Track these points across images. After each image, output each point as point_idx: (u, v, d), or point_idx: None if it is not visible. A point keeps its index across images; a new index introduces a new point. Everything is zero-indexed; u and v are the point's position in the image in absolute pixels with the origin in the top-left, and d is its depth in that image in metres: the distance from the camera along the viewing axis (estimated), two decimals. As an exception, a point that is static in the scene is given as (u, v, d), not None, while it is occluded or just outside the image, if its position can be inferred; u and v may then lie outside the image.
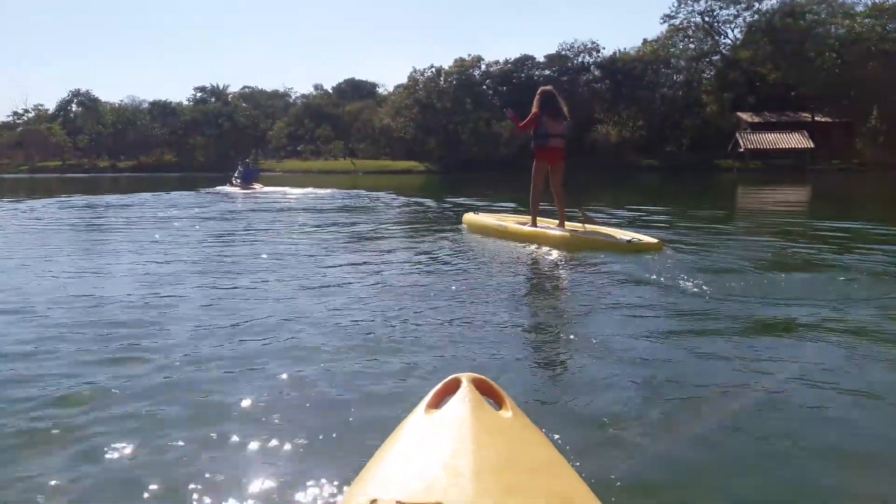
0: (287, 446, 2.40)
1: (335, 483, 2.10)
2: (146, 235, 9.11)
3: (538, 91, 7.97)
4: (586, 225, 7.55)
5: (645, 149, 47.71)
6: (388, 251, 7.44)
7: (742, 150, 43.66)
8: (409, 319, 4.19)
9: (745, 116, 47.18)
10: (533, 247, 7.26)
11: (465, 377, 1.42)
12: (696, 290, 5.05)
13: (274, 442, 2.43)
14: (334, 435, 2.48)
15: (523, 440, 1.31)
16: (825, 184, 27.75)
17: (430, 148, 53.71)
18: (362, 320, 4.15)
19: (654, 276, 5.47)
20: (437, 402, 1.39)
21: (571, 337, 3.93)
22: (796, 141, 43.25)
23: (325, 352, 3.51)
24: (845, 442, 2.51)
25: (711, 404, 2.86)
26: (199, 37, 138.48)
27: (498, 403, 1.41)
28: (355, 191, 22.53)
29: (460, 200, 16.04)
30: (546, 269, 6.45)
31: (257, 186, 22.08)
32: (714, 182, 31.11)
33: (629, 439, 2.47)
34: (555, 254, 6.86)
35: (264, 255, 7.02)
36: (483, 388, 1.41)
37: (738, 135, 44.87)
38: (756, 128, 45.77)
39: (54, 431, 2.55)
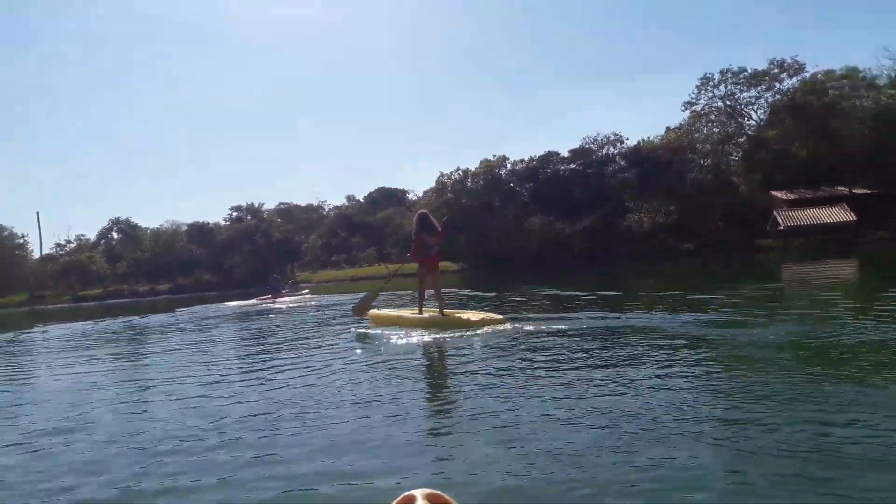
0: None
1: None
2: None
3: (415, 216, 10.38)
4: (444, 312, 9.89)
5: (679, 232, 46.76)
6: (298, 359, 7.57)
7: (782, 227, 42.39)
8: (345, 430, 4.13)
9: (779, 195, 46.18)
10: (426, 333, 8.87)
11: (419, 494, 1.36)
12: (547, 359, 5.96)
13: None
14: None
15: None
16: (877, 256, 26.49)
17: (461, 245, 53.55)
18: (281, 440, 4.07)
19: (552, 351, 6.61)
20: None
21: (508, 426, 3.90)
22: (837, 215, 41.92)
23: (275, 465, 3.43)
24: None
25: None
26: (235, 158, 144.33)
27: None
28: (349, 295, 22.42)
29: (489, 295, 15.84)
30: (448, 352, 7.29)
31: (285, 296, 23.78)
32: (758, 262, 30.03)
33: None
34: (448, 335, 8.48)
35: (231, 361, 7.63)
36: None
37: (775, 213, 43.73)
38: (793, 205, 44.65)
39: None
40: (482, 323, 9.01)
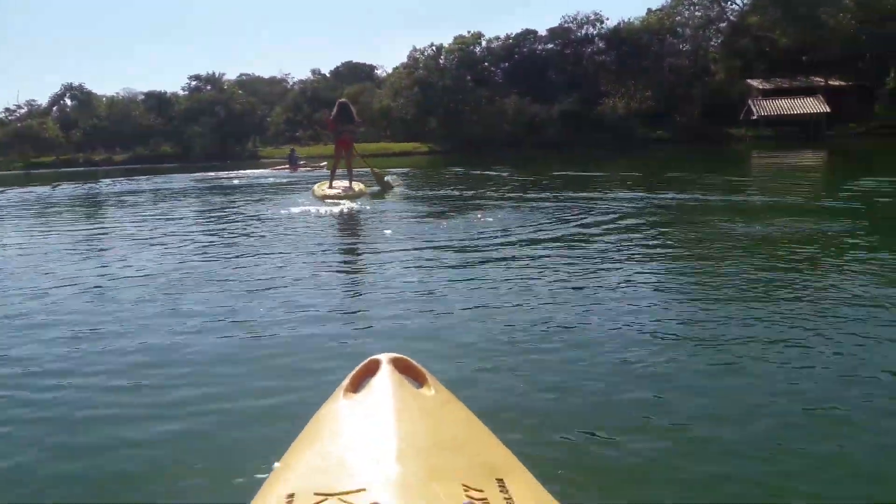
0: (197, 440, 2.23)
1: (250, 477, 1.87)
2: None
3: (336, 102, 12.16)
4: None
5: (654, 120, 46.19)
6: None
7: (755, 117, 42.16)
8: (296, 300, 4.11)
9: (755, 83, 45.50)
10: (337, 203, 10.02)
11: (384, 357, 1.36)
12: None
13: (183, 435, 2.25)
14: (248, 425, 2.32)
15: (447, 417, 1.26)
16: (845, 147, 26.73)
17: (431, 128, 52.26)
18: (253, 308, 4.04)
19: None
20: (357, 386, 1.31)
21: (462, 294, 4.04)
22: (811, 106, 41.72)
23: (236, 338, 3.35)
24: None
25: (622, 361, 2.90)
26: (194, 26, 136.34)
27: (419, 382, 1.35)
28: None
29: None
30: (355, 221, 7.99)
31: (301, 168, 27.64)
32: (726, 151, 30.02)
33: (551, 402, 2.43)
34: (347, 204, 9.81)
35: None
36: (403, 368, 1.35)
37: (750, 102, 43.33)
38: (768, 94, 44.15)
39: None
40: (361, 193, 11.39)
